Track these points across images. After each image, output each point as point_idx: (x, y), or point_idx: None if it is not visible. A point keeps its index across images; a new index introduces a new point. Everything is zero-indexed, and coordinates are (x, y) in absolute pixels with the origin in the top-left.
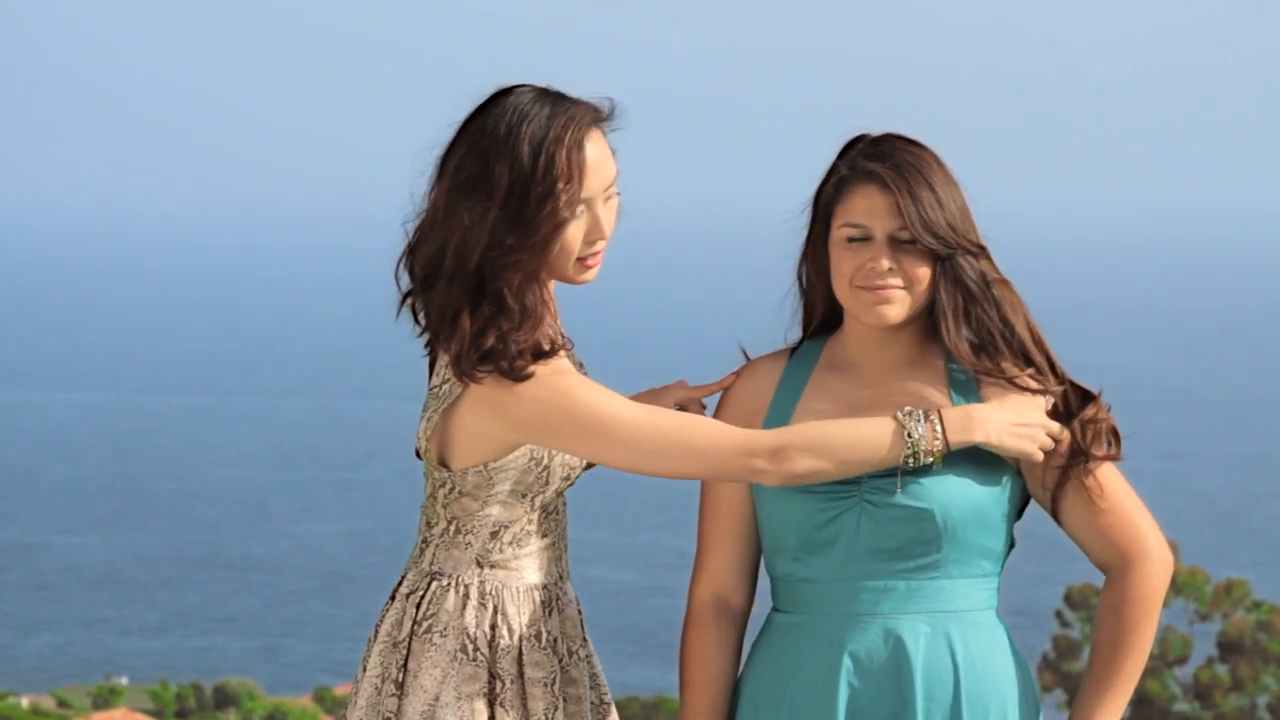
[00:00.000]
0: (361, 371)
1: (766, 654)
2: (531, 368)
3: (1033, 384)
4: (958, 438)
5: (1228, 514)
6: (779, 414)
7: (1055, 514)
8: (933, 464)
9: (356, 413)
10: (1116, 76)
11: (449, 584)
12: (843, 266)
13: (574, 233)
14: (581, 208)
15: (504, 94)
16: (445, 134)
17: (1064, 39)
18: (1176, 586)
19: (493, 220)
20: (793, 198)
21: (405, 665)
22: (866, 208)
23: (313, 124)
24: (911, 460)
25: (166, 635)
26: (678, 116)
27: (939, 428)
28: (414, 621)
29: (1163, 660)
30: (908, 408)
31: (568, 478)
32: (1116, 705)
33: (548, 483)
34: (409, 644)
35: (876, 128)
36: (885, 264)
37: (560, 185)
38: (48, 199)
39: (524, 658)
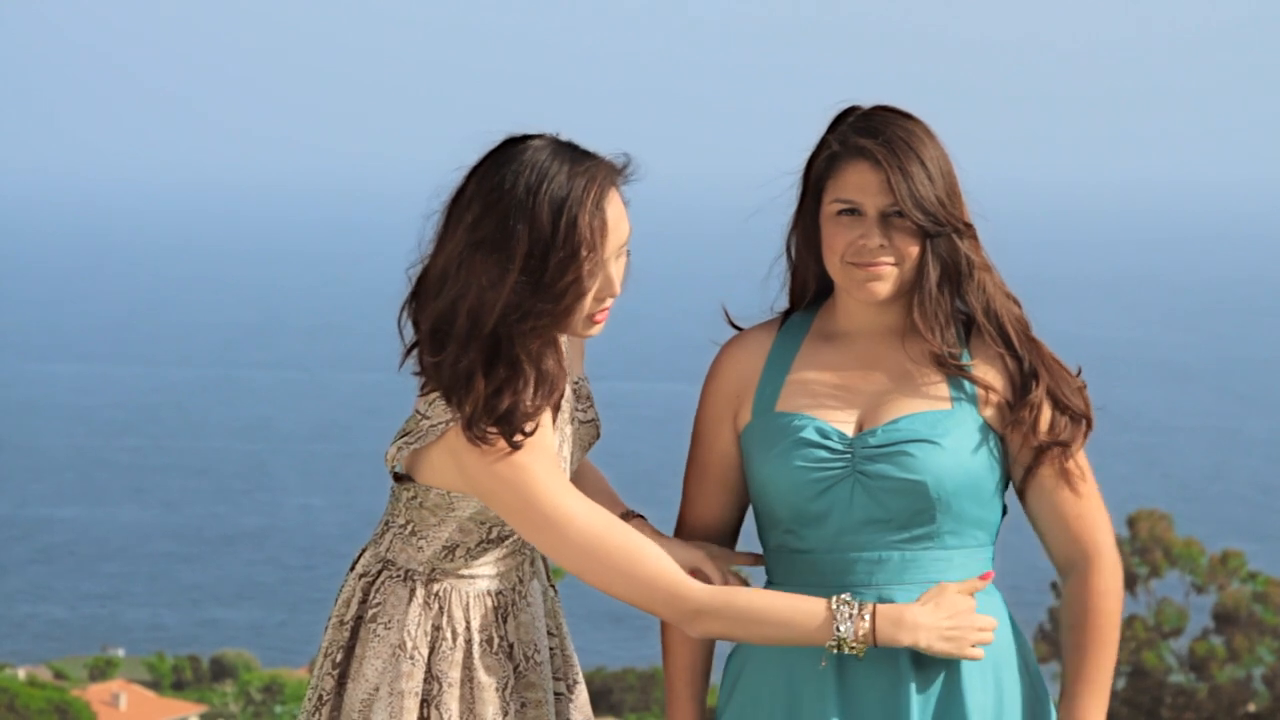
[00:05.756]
0: (362, 344)
1: None
2: (519, 438)
3: (952, 364)
4: (885, 640)
5: (1215, 486)
6: (769, 385)
7: (1023, 496)
8: (856, 653)
9: (357, 386)
10: (1103, 44)
11: (400, 576)
12: (834, 242)
13: (590, 288)
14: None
15: (517, 146)
16: (452, 177)
17: (1052, 5)
18: (1172, 558)
19: (511, 283)
20: (776, 165)
21: (346, 647)
22: (858, 184)
23: (317, 98)
24: (835, 650)
25: (163, 607)
26: (666, 83)
27: (868, 625)
28: (360, 604)
29: (1158, 632)
30: (845, 596)
31: None
32: (1102, 707)
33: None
34: (354, 627)
35: (864, 94)
36: (877, 240)
37: (583, 253)
38: (56, 170)
39: (473, 661)
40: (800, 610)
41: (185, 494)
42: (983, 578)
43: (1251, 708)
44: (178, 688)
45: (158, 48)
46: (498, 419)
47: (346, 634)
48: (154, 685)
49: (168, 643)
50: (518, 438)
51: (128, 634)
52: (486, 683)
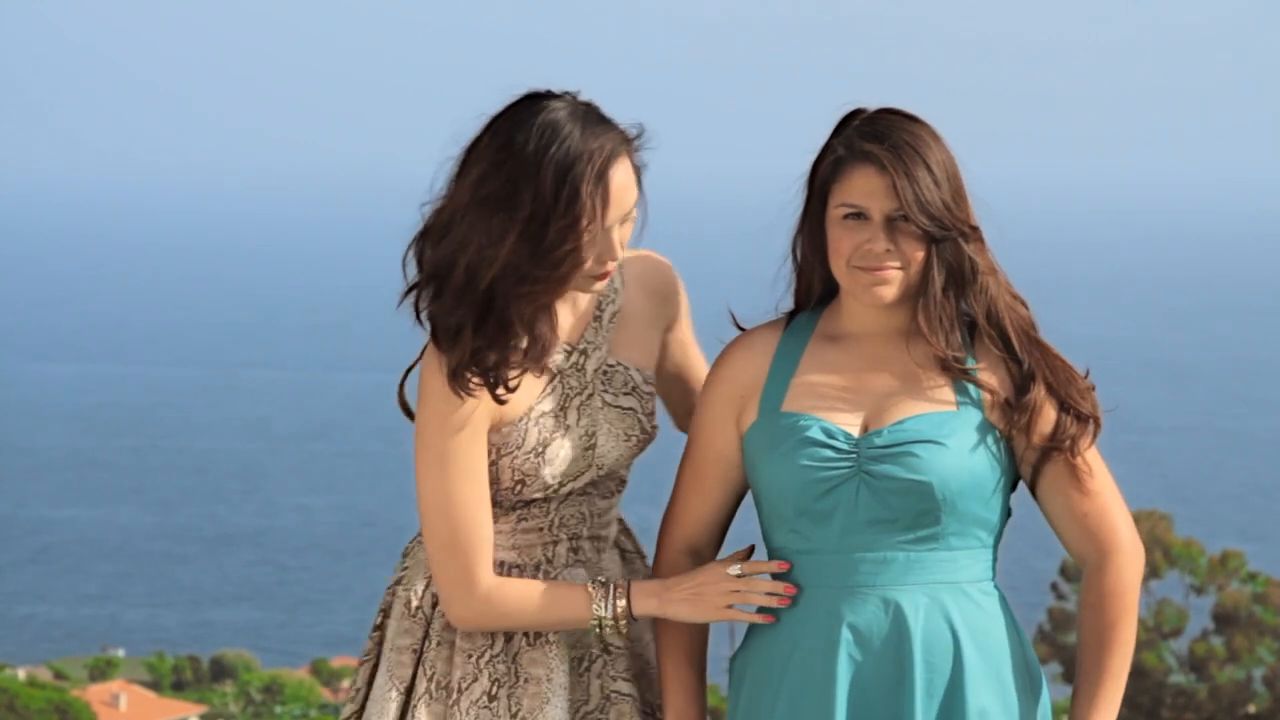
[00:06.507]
0: (360, 344)
1: (765, 628)
2: (501, 392)
3: (956, 368)
4: (641, 612)
5: (1215, 486)
6: (776, 386)
7: (1035, 495)
8: (618, 629)
9: (354, 386)
10: (1103, 44)
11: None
12: (840, 246)
13: (588, 257)
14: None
15: (537, 104)
16: (473, 124)
17: (1053, 5)
18: (1172, 559)
19: (511, 244)
20: (777, 166)
21: (384, 610)
22: (864, 189)
23: (317, 98)
24: (598, 631)
25: (163, 608)
26: (666, 83)
27: (624, 603)
28: (395, 570)
29: (1158, 632)
30: (601, 580)
31: (521, 481)
32: (1111, 703)
33: (495, 480)
34: (393, 592)
35: (865, 93)
36: (883, 245)
37: (584, 222)
38: (56, 170)
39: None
40: (561, 596)
41: (183, 494)
42: (779, 564)
43: (1251, 708)
44: (178, 688)
45: (158, 48)
46: (483, 371)
47: (388, 600)
48: (154, 685)
49: (167, 643)
50: (500, 390)
51: (127, 634)
52: (462, 646)
